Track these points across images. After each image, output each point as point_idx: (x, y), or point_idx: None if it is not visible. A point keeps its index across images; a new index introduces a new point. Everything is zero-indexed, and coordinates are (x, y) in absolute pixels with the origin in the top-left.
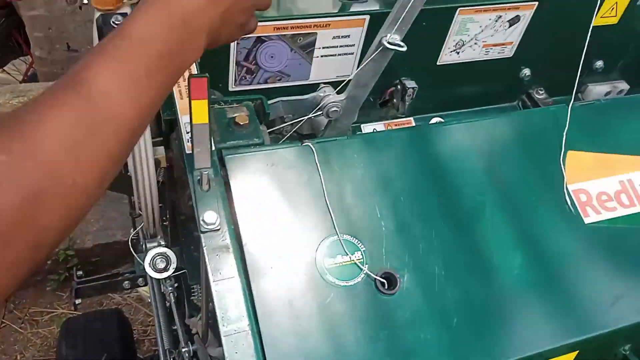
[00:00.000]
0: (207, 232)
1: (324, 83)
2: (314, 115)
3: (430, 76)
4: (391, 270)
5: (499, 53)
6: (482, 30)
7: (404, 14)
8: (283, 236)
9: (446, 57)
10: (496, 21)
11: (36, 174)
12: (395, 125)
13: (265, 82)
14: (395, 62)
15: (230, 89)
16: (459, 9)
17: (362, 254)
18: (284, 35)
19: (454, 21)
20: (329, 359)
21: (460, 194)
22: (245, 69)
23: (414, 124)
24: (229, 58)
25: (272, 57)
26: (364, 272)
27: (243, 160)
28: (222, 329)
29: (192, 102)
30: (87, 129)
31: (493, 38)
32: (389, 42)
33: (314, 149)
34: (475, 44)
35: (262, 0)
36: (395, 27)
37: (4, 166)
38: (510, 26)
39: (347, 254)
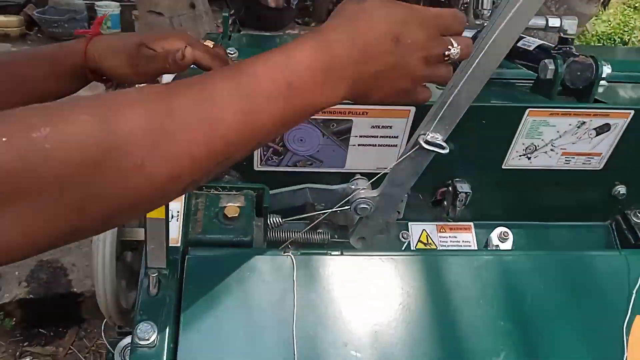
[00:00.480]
0: (138, 348)
1: (361, 174)
2: (340, 209)
3: (493, 180)
4: None
5: (583, 164)
6: (560, 136)
7: (444, 111)
8: None
9: (514, 161)
10: (578, 127)
11: (105, 141)
12: (450, 229)
13: (295, 165)
14: (449, 160)
15: (255, 168)
16: (529, 109)
17: None
18: (315, 119)
19: (522, 123)
20: None
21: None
22: (271, 149)
23: (473, 232)
24: None
25: (301, 140)
26: None
27: (207, 263)
28: None
29: None
30: (180, 120)
31: (575, 146)
32: (426, 142)
33: (294, 261)
34: (552, 150)
35: (438, 75)
36: (434, 124)
37: (85, 125)
38: (597, 134)
39: None
